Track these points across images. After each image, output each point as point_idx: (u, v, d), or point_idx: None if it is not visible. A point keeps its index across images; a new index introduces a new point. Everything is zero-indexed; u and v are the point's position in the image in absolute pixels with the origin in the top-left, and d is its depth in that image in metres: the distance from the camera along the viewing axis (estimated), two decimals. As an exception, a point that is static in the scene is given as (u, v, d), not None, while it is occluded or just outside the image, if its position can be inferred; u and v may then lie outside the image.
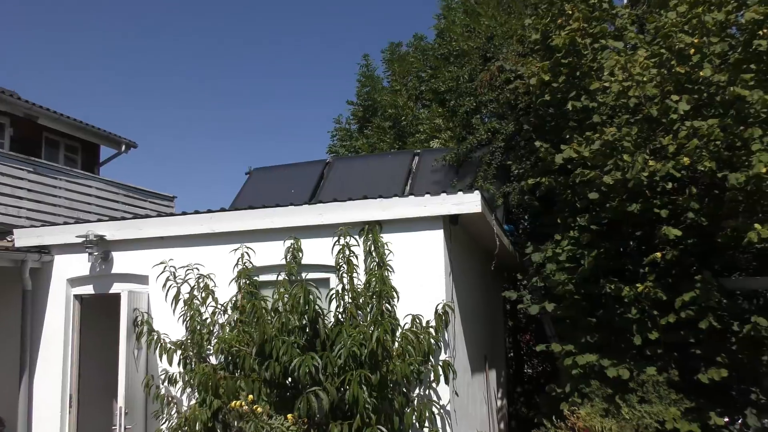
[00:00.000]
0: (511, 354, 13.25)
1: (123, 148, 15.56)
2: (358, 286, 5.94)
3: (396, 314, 5.89)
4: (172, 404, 6.42)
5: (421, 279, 6.04)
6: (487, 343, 8.82)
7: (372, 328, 5.54)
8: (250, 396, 5.50)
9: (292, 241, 6.27)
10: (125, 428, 6.41)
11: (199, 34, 50.09)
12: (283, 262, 6.25)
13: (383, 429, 5.35)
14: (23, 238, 7.51)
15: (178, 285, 6.46)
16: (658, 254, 6.95)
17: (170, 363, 6.30)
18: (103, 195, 12.38)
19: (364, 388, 5.32)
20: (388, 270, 5.99)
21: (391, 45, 18.49)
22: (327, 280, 6.33)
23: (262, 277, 6.47)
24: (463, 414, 6.47)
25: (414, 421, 5.58)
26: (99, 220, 7.59)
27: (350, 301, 5.88)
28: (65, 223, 7.59)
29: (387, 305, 5.85)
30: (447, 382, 5.79)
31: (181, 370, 6.26)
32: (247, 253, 6.38)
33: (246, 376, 5.74)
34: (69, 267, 7.44)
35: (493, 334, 9.71)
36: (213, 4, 48.79)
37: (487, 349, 8.72)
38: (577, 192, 7.79)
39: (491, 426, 8.60)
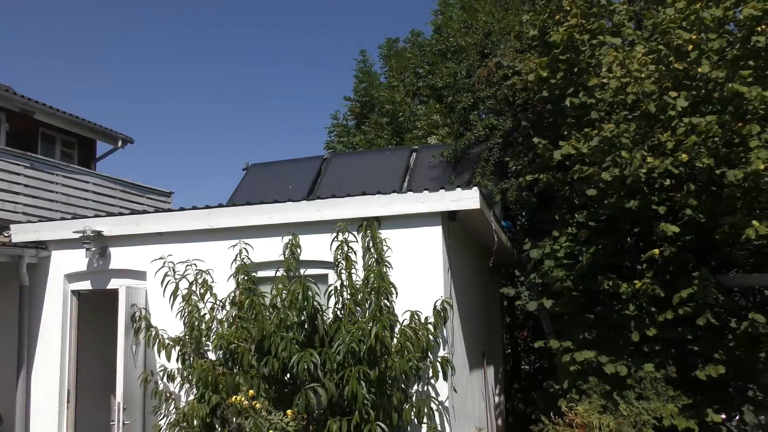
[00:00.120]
0: (509, 350, 13.27)
1: (119, 143, 15.52)
2: (357, 283, 5.94)
3: (394, 310, 5.90)
4: (170, 400, 6.43)
5: (420, 275, 6.04)
6: (485, 339, 8.83)
7: (370, 325, 5.54)
8: (251, 391, 5.50)
9: (290, 237, 6.26)
10: (123, 424, 6.40)
11: (195, 29, 49.94)
12: (282, 258, 6.24)
13: (382, 425, 5.36)
14: (20, 233, 7.49)
15: (177, 281, 6.45)
16: (656, 251, 6.97)
17: (168, 359, 6.30)
18: (100, 190, 12.33)
19: (363, 384, 5.32)
20: (386, 266, 5.98)
21: (388, 41, 18.43)
22: (325, 276, 6.32)
23: (261, 273, 6.46)
24: (461, 410, 6.48)
25: (413, 417, 5.58)
26: (96, 216, 7.57)
27: (349, 297, 5.88)
28: (62, 219, 7.57)
29: (385, 301, 5.85)
30: (445, 378, 5.80)
31: (180, 366, 6.26)
32: (245, 249, 6.38)
33: (245, 372, 5.74)
34: (66, 262, 7.42)
35: (491, 331, 9.73)
36: (209, -1, 48.63)
37: (485, 345, 8.73)
38: (575, 188, 7.79)
39: (489, 422, 8.62)
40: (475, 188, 5.96)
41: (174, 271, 6.51)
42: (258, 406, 5.36)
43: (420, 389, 5.91)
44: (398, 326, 5.80)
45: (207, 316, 6.35)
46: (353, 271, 5.97)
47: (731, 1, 7.00)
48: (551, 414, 7.16)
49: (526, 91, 8.97)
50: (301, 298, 5.63)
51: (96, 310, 7.74)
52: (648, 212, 7.24)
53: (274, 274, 6.17)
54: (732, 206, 7.00)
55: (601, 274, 7.51)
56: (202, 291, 6.42)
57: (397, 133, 15.92)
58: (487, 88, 10.28)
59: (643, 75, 6.92)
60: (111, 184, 12.68)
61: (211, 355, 6.23)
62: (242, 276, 6.24)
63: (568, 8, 7.72)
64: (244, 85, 53.41)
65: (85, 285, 7.41)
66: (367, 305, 5.82)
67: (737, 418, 7.55)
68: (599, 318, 7.65)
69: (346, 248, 6.01)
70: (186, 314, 6.35)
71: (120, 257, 7.21)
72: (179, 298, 6.39)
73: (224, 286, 6.43)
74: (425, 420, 5.63)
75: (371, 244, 6.07)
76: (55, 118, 13.60)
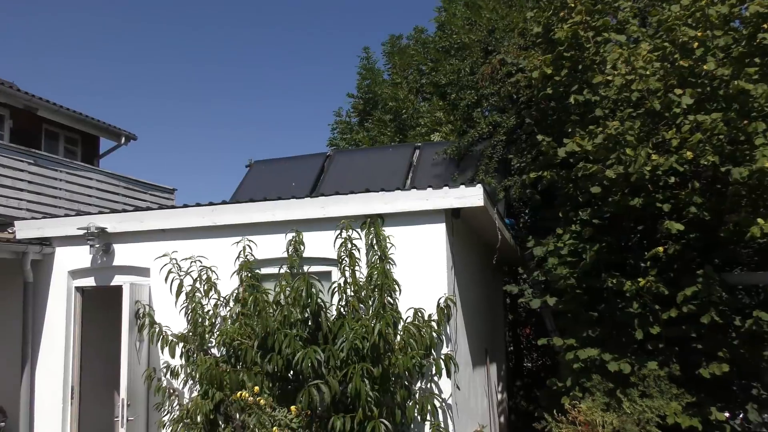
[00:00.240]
0: (511, 348, 13.27)
1: (123, 140, 15.53)
2: (360, 280, 5.93)
3: (398, 307, 5.89)
4: (174, 396, 6.43)
5: (423, 272, 6.03)
6: (487, 336, 8.82)
7: (374, 322, 5.53)
8: (256, 387, 5.51)
9: (293, 234, 6.26)
10: (127, 420, 6.42)
11: (199, 26, 49.93)
12: (285, 255, 6.24)
13: (385, 422, 5.35)
14: (24, 230, 7.50)
15: (180, 277, 6.45)
16: (660, 249, 6.95)
17: (172, 355, 6.30)
18: (104, 187, 12.36)
19: (366, 382, 5.32)
20: (390, 263, 5.98)
21: (392, 38, 18.37)
22: (329, 273, 6.32)
23: (264, 270, 6.47)
24: (464, 407, 6.49)
25: (416, 414, 5.58)
26: (100, 212, 7.58)
27: (352, 294, 5.87)
28: (66, 215, 7.58)
29: (389, 298, 5.84)
30: (449, 375, 5.79)
31: (183, 362, 6.27)
32: (248, 245, 6.38)
33: (248, 369, 5.75)
34: (70, 259, 7.44)
35: (494, 328, 9.72)
36: (212, -4, 48.61)
37: (487, 342, 8.73)
38: (579, 186, 7.77)
39: (492, 419, 8.62)
40: (479, 185, 5.94)
41: (178, 268, 6.50)
42: (262, 402, 5.37)
43: (423, 386, 5.91)
44: (402, 323, 5.80)
45: (210, 313, 6.35)
46: (357, 268, 5.96)
47: (737, -3, 6.98)
48: (554, 411, 7.16)
49: (530, 89, 8.94)
50: (305, 295, 5.63)
51: (100, 306, 7.75)
52: (652, 210, 7.22)
53: (277, 271, 6.17)
54: (737, 204, 6.97)
55: (604, 271, 7.49)
56: (205, 288, 6.42)
57: (401, 130, 15.89)
58: (491, 85, 10.24)
59: (648, 72, 6.88)
60: (114, 180, 12.70)
61: (215, 352, 6.23)
62: (246, 273, 6.24)
63: (573, 5, 7.69)
64: (247, 83, 53.43)
65: (89, 281, 7.42)
66: (370, 302, 5.81)
67: (741, 416, 7.54)
68: (603, 316, 7.64)
69: (349, 245, 6.00)
70: (189, 311, 6.35)
71: (124, 254, 7.22)
72: (183, 295, 6.40)
73: (228, 283, 6.43)
74: (428, 417, 5.63)
75: (375, 242, 6.07)
76: (59, 114, 13.61)
